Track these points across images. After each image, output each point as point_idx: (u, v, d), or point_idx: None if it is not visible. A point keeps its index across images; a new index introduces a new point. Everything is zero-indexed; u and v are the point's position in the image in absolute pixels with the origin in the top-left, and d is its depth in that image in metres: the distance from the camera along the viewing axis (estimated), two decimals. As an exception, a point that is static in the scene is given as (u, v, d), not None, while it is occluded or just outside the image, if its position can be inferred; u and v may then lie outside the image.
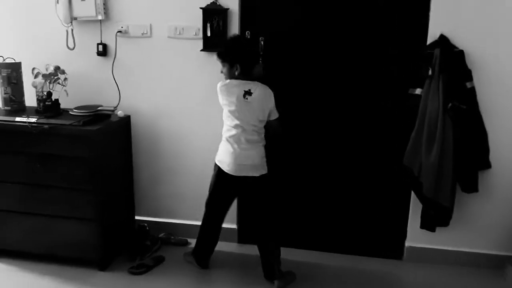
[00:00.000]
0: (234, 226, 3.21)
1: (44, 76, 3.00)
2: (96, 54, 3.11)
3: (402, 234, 3.04)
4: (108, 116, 2.97)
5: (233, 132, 2.62)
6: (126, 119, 3.10)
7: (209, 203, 2.84)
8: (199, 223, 2.89)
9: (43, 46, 3.17)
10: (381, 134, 2.95)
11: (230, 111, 2.61)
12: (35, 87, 3.02)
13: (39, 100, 3.02)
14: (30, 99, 3.12)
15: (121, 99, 3.13)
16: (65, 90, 3.07)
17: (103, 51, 3.09)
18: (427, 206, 2.76)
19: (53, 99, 3.03)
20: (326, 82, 2.95)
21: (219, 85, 2.66)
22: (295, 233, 3.20)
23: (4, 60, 3.02)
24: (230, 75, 2.65)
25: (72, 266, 2.90)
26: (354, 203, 3.08)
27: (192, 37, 2.97)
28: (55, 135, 2.73)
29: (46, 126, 2.72)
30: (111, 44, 3.09)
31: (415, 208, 2.93)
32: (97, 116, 2.91)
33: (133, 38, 3.06)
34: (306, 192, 3.12)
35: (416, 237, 2.99)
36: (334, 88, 2.95)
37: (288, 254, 3.04)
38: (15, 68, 3.04)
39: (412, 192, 2.89)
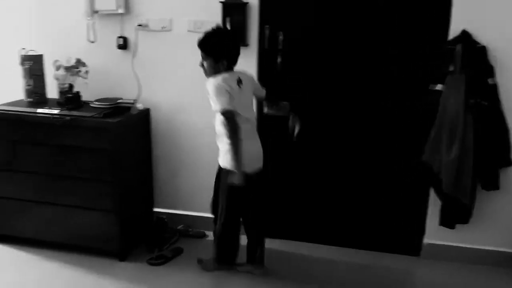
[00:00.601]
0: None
1: (65, 68, 3.04)
2: (116, 47, 3.14)
3: (420, 231, 3.02)
4: (128, 109, 3.00)
5: (242, 128, 2.45)
6: (146, 112, 3.13)
7: (229, 213, 2.64)
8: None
9: (65, 39, 3.21)
10: (400, 130, 2.92)
11: (242, 104, 2.48)
12: (57, 79, 3.06)
13: (60, 93, 3.06)
14: (52, 92, 3.17)
15: (140, 92, 3.15)
16: (86, 83, 3.11)
17: (123, 44, 3.12)
18: (446, 203, 2.74)
19: (74, 92, 3.07)
20: (346, 77, 2.94)
21: (215, 83, 2.41)
22: (312, 228, 3.20)
23: (27, 52, 3.07)
24: (214, 70, 2.47)
25: (92, 256, 2.95)
26: (372, 198, 3.07)
27: (211, 31, 2.98)
28: (76, 127, 2.78)
29: (67, 118, 2.76)
30: (131, 37, 3.11)
31: (434, 205, 2.91)
32: (117, 109, 2.95)
33: (153, 32, 3.07)
34: (324, 187, 3.12)
35: (434, 234, 2.97)
36: (354, 83, 2.94)
37: (303, 249, 3.06)
38: (37, 61, 3.09)
39: (431, 189, 2.88)
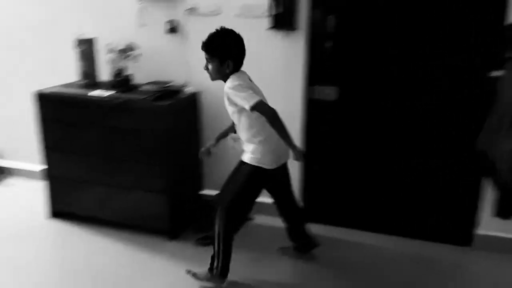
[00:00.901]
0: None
1: (117, 52, 3.11)
2: (166, 31, 3.17)
3: (472, 221, 2.94)
4: (178, 92, 3.04)
5: (266, 127, 2.32)
6: (195, 96, 3.17)
7: (243, 208, 2.57)
8: (264, 200, 2.89)
9: (116, 23, 3.28)
10: (454, 118, 2.83)
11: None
12: (109, 62, 3.14)
13: (112, 75, 3.14)
14: (105, 74, 3.26)
15: (189, 76, 3.18)
16: (137, 66, 3.17)
17: (173, 28, 3.15)
18: (502, 192, 2.64)
19: (125, 75, 3.14)
20: (400, 63, 2.86)
21: (235, 82, 2.29)
22: (362, 215, 3.18)
23: (81, 36, 3.15)
24: (220, 73, 2.36)
25: (144, 234, 3.06)
26: (424, 187, 3.00)
27: (260, 15, 2.96)
28: (128, 110, 2.85)
29: (119, 101, 2.83)
30: (181, 21, 3.14)
31: (486, 195, 2.82)
32: (167, 92, 2.99)
33: (202, 16, 3.08)
34: (376, 174, 3.08)
35: (487, 224, 2.89)
36: (408, 70, 2.85)
37: (354, 236, 3.05)
38: (91, 44, 3.17)
39: (484, 178, 2.78)
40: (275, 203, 2.76)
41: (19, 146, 3.89)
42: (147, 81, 3.15)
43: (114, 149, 2.95)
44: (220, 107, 3.20)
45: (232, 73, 2.34)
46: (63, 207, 3.22)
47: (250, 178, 2.44)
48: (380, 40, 2.86)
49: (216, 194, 2.63)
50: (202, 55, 3.19)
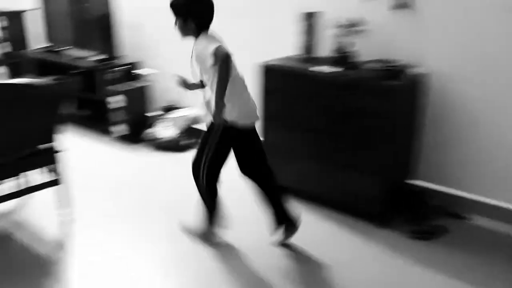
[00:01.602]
0: None
1: (343, 27, 3.01)
2: (393, 6, 2.98)
3: None
4: (403, 72, 2.84)
5: (240, 81, 2.45)
6: (421, 77, 2.93)
7: (215, 161, 2.52)
8: (484, 198, 2.58)
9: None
10: None
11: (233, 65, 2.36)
12: (333, 37, 3.07)
13: (335, 51, 3.07)
14: (324, 50, 3.21)
15: (419, 56, 2.96)
16: (360, 43, 3.04)
17: (403, 3, 2.94)
18: None
19: (348, 51, 3.04)
20: None
21: (205, 39, 2.34)
22: None
23: (307, 10, 3.13)
24: (184, 31, 2.41)
25: (353, 216, 2.98)
26: None
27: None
28: (352, 87, 2.74)
29: (346, 78, 2.74)
30: (413, -4, 2.92)
31: None
32: (393, 72, 2.81)
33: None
34: None
35: None
36: None
37: None
38: (314, 18, 3.13)
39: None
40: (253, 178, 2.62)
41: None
42: (369, 59, 3.01)
43: (333, 126, 2.88)
44: (446, 92, 2.94)
45: (198, 33, 2.38)
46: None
47: (221, 136, 2.45)
48: None
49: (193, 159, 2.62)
50: (438, 35, 2.92)
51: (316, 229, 2.87)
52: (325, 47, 3.21)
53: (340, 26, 3.02)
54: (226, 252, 2.64)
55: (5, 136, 2.37)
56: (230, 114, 2.38)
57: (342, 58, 3.02)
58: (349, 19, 3.02)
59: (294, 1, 3.33)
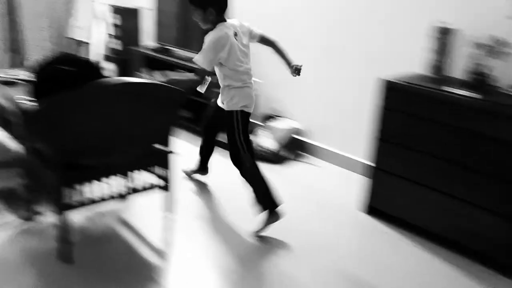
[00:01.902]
0: None
1: (483, 46, 2.70)
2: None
3: None
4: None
5: (246, 76, 2.70)
6: None
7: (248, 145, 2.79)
8: None
9: (481, 14, 2.85)
10: None
11: (239, 58, 2.63)
12: (469, 57, 2.76)
13: (470, 73, 2.76)
14: (456, 70, 2.91)
15: None
16: (502, 66, 2.70)
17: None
18: None
19: (486, 74, 2.72)
20: None
21: (216, 36, 2.54)
22: None
23: (442, 25, 2.85)
24: (205, 21, 2.61)
25: (472, 260, 2.64)
26: None
27: None
28: (487, 113, 2.44)
29: (486, 103, 2.43)
30: None
31: None
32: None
33: None
34: None
35: None
36: None
37: None
38: (449, 34, 2.85)
39: None
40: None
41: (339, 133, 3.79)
42: (510, 85, 2.66)
43: (463, 154, 2.57)
44: None
45: (217, 21, 2.59)
46: (379, 204, 3.02)
47: (237, 118, 2.73)
48: None
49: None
50: None
51: (431, 271, 2.57)
52: (457, 68, 2.90)
53: (480, 45, 2.71)
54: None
55: (127, 131, 2.35)
56: (237, 104, 2.72)
57: (479, 81, 2.71)
58: (492, 38, 2.70)
59: (429, 13, 3.04)
